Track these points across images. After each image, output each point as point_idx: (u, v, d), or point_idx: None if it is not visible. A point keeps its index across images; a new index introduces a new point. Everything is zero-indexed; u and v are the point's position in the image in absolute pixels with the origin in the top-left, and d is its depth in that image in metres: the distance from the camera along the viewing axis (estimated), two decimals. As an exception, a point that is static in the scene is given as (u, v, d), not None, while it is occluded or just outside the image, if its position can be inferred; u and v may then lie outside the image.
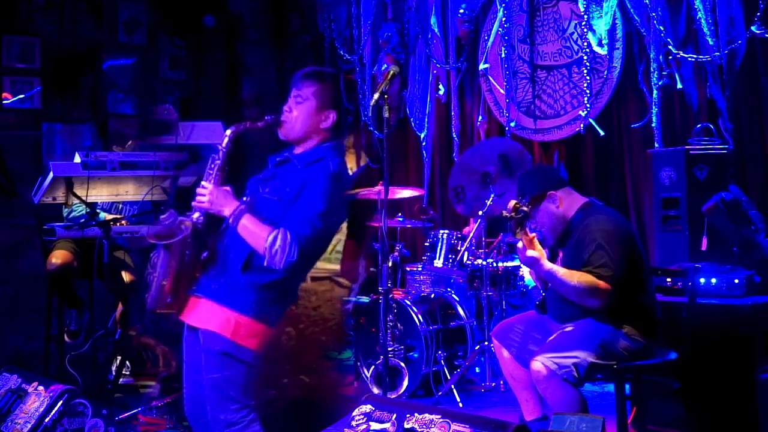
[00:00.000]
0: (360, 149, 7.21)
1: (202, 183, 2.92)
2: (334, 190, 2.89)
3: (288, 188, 2.89)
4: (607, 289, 3.36)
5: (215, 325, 2.85)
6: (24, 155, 6.37)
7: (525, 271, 5.14)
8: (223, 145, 2.95)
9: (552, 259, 3.66)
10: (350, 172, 7.18)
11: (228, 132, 2.96)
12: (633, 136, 5.39)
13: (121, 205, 5.13)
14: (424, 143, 6.59)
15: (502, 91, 6.05)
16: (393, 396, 4.68)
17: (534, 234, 3.53)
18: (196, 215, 2.91)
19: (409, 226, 5.46)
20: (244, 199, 2.98)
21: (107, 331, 4.62)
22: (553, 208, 3.60)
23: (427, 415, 2.50)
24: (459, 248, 5.21)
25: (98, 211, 4.69)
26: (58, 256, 4.96)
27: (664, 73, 5.07)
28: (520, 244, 3.48)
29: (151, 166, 4.47)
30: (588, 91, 5.45)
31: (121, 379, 5.06)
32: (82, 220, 4.74)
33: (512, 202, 3.42)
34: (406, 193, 5.52)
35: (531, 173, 3.81)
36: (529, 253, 3.43)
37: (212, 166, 2.95)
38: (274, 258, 2.78)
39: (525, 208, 3.39)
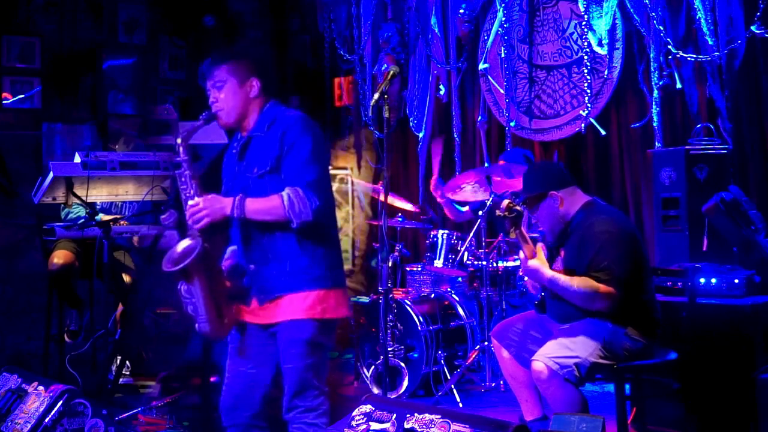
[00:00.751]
0: (360, 149, 7.21)
1: (189, 203, 2.92)
2: (310, 127, 2.94)
3: (270, 153, 2.91)
4: (609, 292, 3.35)
5: (300, 312, 2.89)
6: (24, 155, 6.37)
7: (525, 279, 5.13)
8: (181, 155, 2.98)
9: (551, 258, 3.66)
10: (350, 172, 7.20)
11: (179, 140, 2.99)
12: (633, 136, 5.39)
13: (120, 204, 5.13)
14: (421, 144, 6.59)
15: (501, 91, 6.05)
16: (393, 396, 4.68)
17: (540, 244, 3.53)
18: (201, 224, 2.89)
19: (405, 226, 5.45)
20: (240, 196, 2.98)
21: (107, 331, 4.62)
22: (553, 207, 3.60)
23: (427, 415, 2.50)
24: (459, 248, 5.21)
25: (97, 211, 4.69)
26: (59, 256, 4.96)
27: (664, 73, 5.07)
28: (521, 254, 3.49)
29: (151, 166, 4.47)
30: (588, 91, 5.45)
31: (121, 379, 5.06)
32: (81, 221, 4.74)
33: (506, 202, 3.44)
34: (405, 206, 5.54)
35: (534, 171, 3.79)
36: (531, 263, 3.47)
37: (183, 182, 2.96)
38: (301, 214, 2.83)
39: (518, 208, 3.40)
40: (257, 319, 2.98)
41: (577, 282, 3.40)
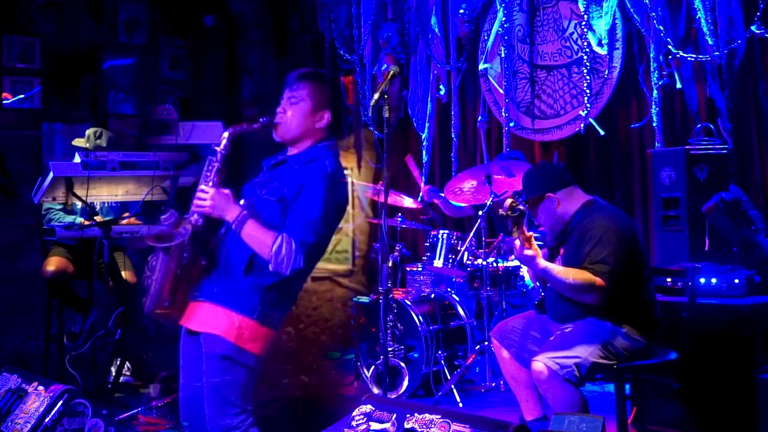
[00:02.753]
0: (360, 149, 7.21)
1: (202, 187, 2.91)
2: (332, 190, 2.89)
3: (286, 189, 2.89)
4: (602, 286, 3.36)
5: (218, 328, 2.85)
6: (24, 155, 6.37)
7: (525, 272, 5.14)
8: (221, 147, 2.95)
9: (551, 259, 3.67)
10: (350, 172, 7.21)
11: (225, 134, 2.96)
12: (633, 136, 5.39)
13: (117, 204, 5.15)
14: (424, 143, 6.59)
15: (501, 91, 6.06)
16: (393, 396, 4.68)
17: (531, 233, 3.54)
18: (194, 217, 2.90)
19: (405, 226, 5.45)
20: (241, 202, 2.97)
21: (107, 332, 4.62)
22: (551, 209, 3.61)
23: (427, 415, 2.50)
24: (459, 248, 5.21)
25: (96, 211, 4.70)
26: (52, 263, 4.97)
27: (664, 73, 5.07)
28: (517, 243, 3.49)
29: (151, 166, 4.47)
30: (588, 91, 5.45)
31: (121, 379, 5.06)
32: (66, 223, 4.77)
33: (508, 201, 3.43)
34: (406, 202, 5.54)
35: (533, 173, 3.80)
36: (526, 252, 3.47)
37: (210, 168, 2.94)
38: (281, 265, 2.80)
39: (521, 207, 3.40)
40: (188, 322, 2.95)
41: (573, 273, 3.40)
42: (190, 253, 2.90)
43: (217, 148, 2.96)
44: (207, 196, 2.89)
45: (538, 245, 3.57)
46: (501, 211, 3.44)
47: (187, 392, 3.00)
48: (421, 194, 5.65)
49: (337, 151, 3.03)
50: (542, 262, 3.48)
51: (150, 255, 2.91)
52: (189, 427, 3.01)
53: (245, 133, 3.00)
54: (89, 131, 5.33)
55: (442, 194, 5.55)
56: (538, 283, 3.81)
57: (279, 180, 2.95)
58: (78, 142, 5.31)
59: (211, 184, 2.92)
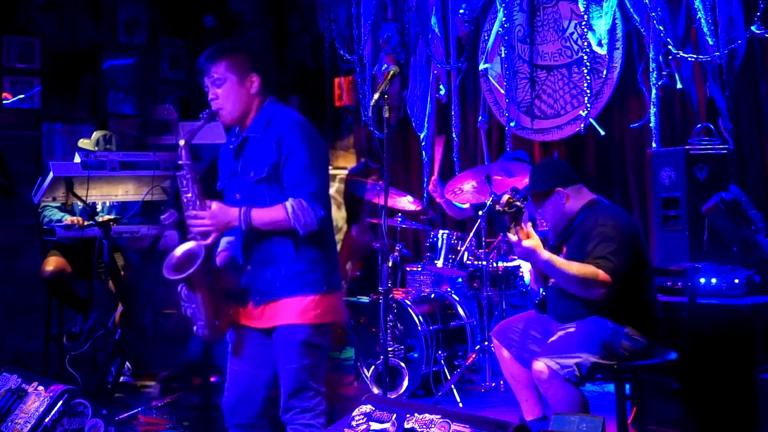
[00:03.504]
0: (360, 149, 7.21)
1: (192, 213, 2.90)
2: (305, 132, 2.91)
3: (266, 159, 2.89)
4: (606, 281, 3.34)
5: (294, 317, 2.89)
6: (24, 155, 6.37)
7: (525, 271, 5.13)
8: (183, 158, 2.95)
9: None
10: (350, 172, 7.20)
11: (181, 142, 2.96)
12: (633, 136, 5.39)
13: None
14: (424, 143, 6.59)
15: (502, 91, 6.05)
16: (393, 396, 4.68)
17: (530, 224, 3.52)
18: (211, 238, 2.89)
19: (404, 226, 5.45)
20: (237, 197, 2.98)
21: (107, 332, 4.62)
22: (559, 204, 3.60)
23: (427, 415, 2.50)
24: (459, 248, 5.21)
25: (97, 211, 4.70)
26: (50, 263, 4.98)
27: (663, 73, 5.07)
28: (515, 237, 3.38)
29: (151, 166, 4.46)
30: (588, 91, 5.45)
31: (121, 379, 5.06)
32: (56, 221, 4.77)
33: (505, 197, 3.41)
34: (405, 201, 5.54)
35: (542, 167, 3.80)
36: (526, 243, 3.35)
37: (185, 185, 2.93)
38: (307, 226, 2.83)
39: (518, 203, 3.37)
40: (254, 322, 2.98)
41: (576, 266, 3.36)
42: (210, 267, 2.91)
43: (180, 161, 2.96)
44: (205, 220, 2.89)
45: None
46: (498, 207, 3.40)
47: (243, 382, 3.02)
48: (431, 183, 5.62)
49: (282, 104, 3.04)
50: (545, 254, 3.36)
51: (176, 285, 2.91)
52: (235, 415, 3.03)
53: (197, 133, 2.99)
54: (98, 134, 5.33)
55: (446, 195, 5.55)
56: (537, 284, 3.80)
57: (254, 156, 2.94)
58: (84, 143, 5.31)
59: (193, 199, 2.91)
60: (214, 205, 2.91)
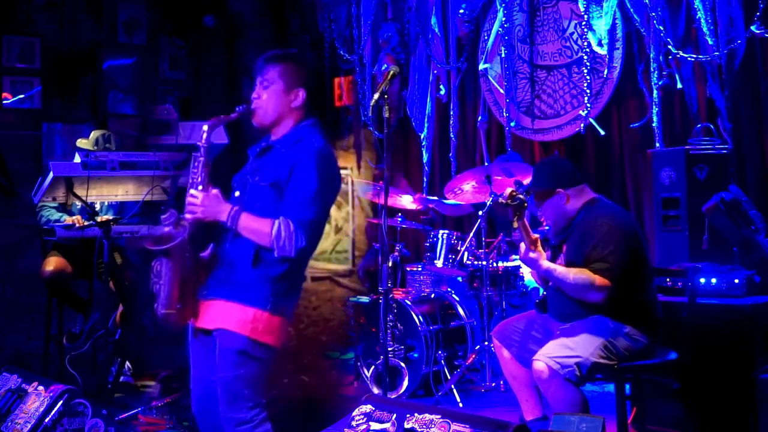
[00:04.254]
0: (360, 149, 7.21)
1: (191, 192, 2.91)
2: (323, 166, 2.89)
3: (278, 172, 2.89)
4: (604, 284, 3.37)
5: (233, 324, 2.85)
6: (24, 155, 6.37)
7: (525, 271, 5.14)
8: (203, 141, 2.96)
9: (554, 257, 3.67)
10: (350, 172, 7.21)
11: (205, 127, 2.97)
12: (633, 136, 5.39)
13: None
14: (424, 143, 6.59)
15: (502, 91, 6.06)
16: (393, 396, 4.68)
17: (537, 235, 3.55)
18: (189, 216, 2.90)
19: (405, 226, 5.45)
20: (236, 194, 2.97)
21: (107, 332, 4.62)
22: (559, 204, 3.61)
23: (427, 415, 2.50)
24: (459, 248, 5.21)
25: (97, 211, 4.70)
26: (50, 263, 4.98)
27: (663, 73, 5.07)
28: (522, 246, 3.54)
29: (151, 166, 4.47)
30: (588, 91, 5.45)
31: (121, 379, 5.06)
32: (54, 221, 4.77)
33: (508, 190, 3.44)
34: (405, 200, 5.55)
35: (545, 166, 3.82)
36: (531, 254, 3.53)
37: (196, 165, 2.94)
38: (284, 248, 2.80)
39: (521, 196, 3.40)
40: (200, 321, 2.95)
41: (573, 273, 3.43)
42: (192, 251, 2.91)
43: (199, 143, 2.96)
44: (197, 200, 2.89)
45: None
46: (501, 200, 3.44)
47: (199, 388, 3.00)
48: (416, 202, 5.66)
49: (320, 129, 3.04)
50: (545, 264, 3.52)
51: (153, 260, 2.91)
52: (202, 422, 3.02)
53: (224, 123, 3.02)
54: (96, 134, 5.33)
55: (434, 197, 5.55)
56: (540, 282, 3.81)
57: (269, 165, 2.94)
58: (82, 143, 5.31)
59: (200, 180, 2.92)
60: (214, 191, 2.91)
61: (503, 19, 5.97)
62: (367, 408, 2.67)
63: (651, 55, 5.09)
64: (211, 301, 2.92)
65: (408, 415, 2.54)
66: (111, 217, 4.71)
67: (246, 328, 2.84)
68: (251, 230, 2.85)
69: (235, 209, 2.87)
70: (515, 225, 3.47)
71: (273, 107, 2.98)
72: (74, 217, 4.91)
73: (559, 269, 3.49)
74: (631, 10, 5.18)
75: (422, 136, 6.60)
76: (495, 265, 5.06)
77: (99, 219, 4.55)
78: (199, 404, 3.01)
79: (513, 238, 3.88)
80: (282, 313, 2.91)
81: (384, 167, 3.51)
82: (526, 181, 4.80)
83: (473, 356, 4.96)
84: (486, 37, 6.22)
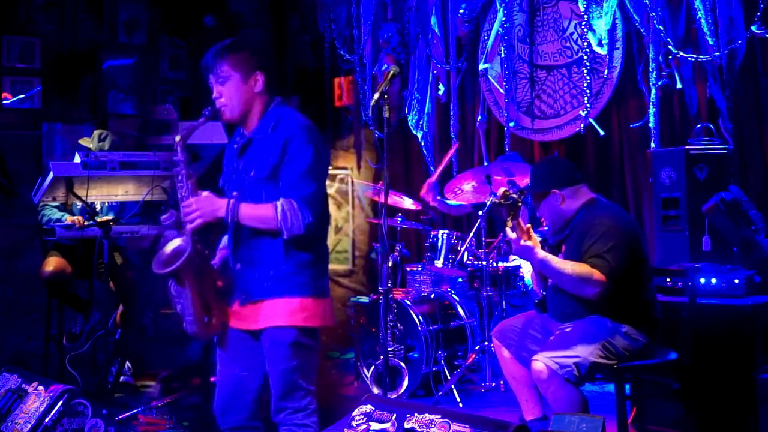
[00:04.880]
0: (360, 149, 7.21)
1: (183, 204, 2.91)
2: (312, 138, 2.89)
3: (269, 160, 2.89)
4: (601, 280, 3.36)
5: (282, 319, 2.88)
6: (24, 155, 6.37)
7: (525, 271, 5.14)
8: (179, 155, 2.96)
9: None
10: (350, 172, 7.20)
11: (177, 138, 2.97)
12: (633, 136, 5.39)
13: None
14: (423, 143, 6.59)
15: (501, 91, 6.06)
16: (393, 396, 4.68)
17: (529, 225, 3.54)
18: (189, 226, 2.89)
19: (405, 226, 5.45)
20: (234, 194, 2.97)
21: (107, 332, 4.62)
22: (555, 205, 3.61)
23: (427, 415, 2.50)
24: (459, 248, 5.21)
25: (97, 211, 4.70)
26: (50, 264, 4.98)
27: (663, 73, 5.07)
28: (513, 235, 3.46)
29: (151, 166, 4.47)
30: (588, 91, 5.45)
31: (121, 379, 5.06)
32: (55, 221, 4.77)
33: (501, 189, 3.44)
34: (405, 202, 5.55)
35: (541, 167, 3.81)
36: (523, 242, 3.45)
37: (180, 180, 2.94)
38: (292, 228, 2.81)
39: (514, 196, 3.40)
40: (241, 323, 2.97)
41: (571, 266, 3.41)
42: (202, 261, 2.91)
43: (175, 158, 2.97)
44: (192, 207, 2.89)
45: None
46: (494, 200, 3.45)
47: (230, 385, 3.01)
48: (425, 186, 5.64)
49: (289, 106, 3.03)
50: (541, 253, 3.46)
51: (169, 282, 2.91)
52: (225, 419, 3.02)
53: (195, 131, 2.99)
54: (95, 132, 5.34)
55: (439, 197, 5.55)
56: (537, 284, 3.81)
57: (258, 158, 2.93)
58: (84, 141, 5.32)
59: (186, 194, 2.93)
60: (204, 194, 2.92)
61: (503, 19, 5.97)
62: (367, 408, 2.68)
63: (651, 55, 5.09)
64: (254, 304, 2.93)
65: (408, 415, 2.54)
66: (112, 217, 4.71)
67: (296, 319, 2.88)
68: (254, 218, 2.85)
69: (232, 202, 2.86)
70: (509, 224, 3.45)
71: (237, 101, 2.96)
72: (76, 217, 4.92)
73: (555, 260, 3.45)
74: (631, 10, 5.18)
75: (420, 136, 6.60)
76: (495, 265, 5.06)
77: (99, 219, 4.55)
78: (226, 402, 3.01)
79: (509, 236, 3.87)
80: (324, 294, 2.96)
81: (384, 167, 3.51)
82: (523, 181, 4.80)
83: (473, 356, 4.96)
84: (486, 37, 6.22)
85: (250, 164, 2.96)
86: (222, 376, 3.05)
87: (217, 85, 2.98)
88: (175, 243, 2.91)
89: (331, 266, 7.32)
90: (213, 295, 2.95)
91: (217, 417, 3.05)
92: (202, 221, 2.89)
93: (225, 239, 3.08)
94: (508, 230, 3.46)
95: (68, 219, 4.89)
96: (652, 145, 5.02)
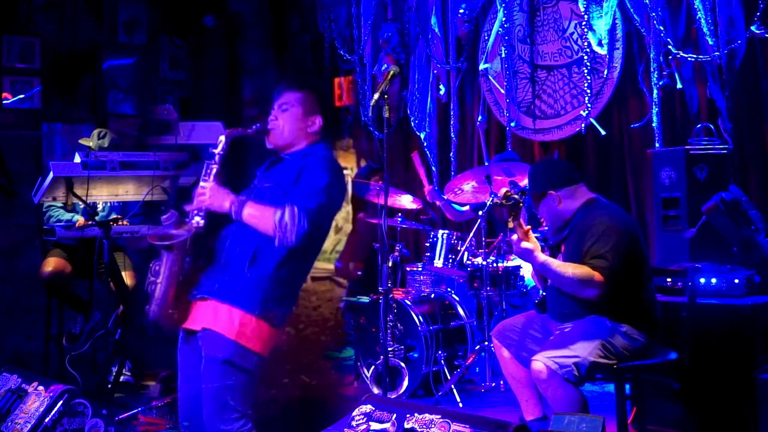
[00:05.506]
0: (360, 150, 7.21)
1: (201, 183, 2.94)
2: (332, 167, 2.94)
3: (286, 176, 2.92)
4: (601, 281, 3.36)
5: (218, 325, 2.83)
6: (24, 155, 6.38)
7: (525, 271, 5.14)
8: (219, 149, 2.98)
9: (552, 256, 3.66)
10: (350, 172, 7.21)
11: (222, 137, 2.99)
12: (633, 136, 5.39)
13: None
14: (426, 143, 6.59)
15: (502, 91, 6.06)
16: (393, 396, 4.68)
17: (529, 227, 3.54)
18: (196, 219, 2.91)
19: (405, 226, 5.45)
20: (242, 197, 2.98)
21: (107, 332, 4.62)
22: (552, 206, 3.62)
23: (427, 415, 2.50)
24: (459, 248, 5.21)
25: (97, 211, 4.69)
26: (49, 264, 4.98)
27: (664, 73, 5.07)
28: (514, 237, 3.48)
29: (151, 166, 4.47)
30: (588, 91, 5.45)
31: (121, 379, 5.06)
32: (65, 221, 4.77)
33: (503, 190, 3.44)
34: (405, 200, 5.54)
35: (539, 168, 3.81)
36: (524, 244, 3.46)
37: (208, 171, 2.97)
38: (286, 233, 2.79)
39: (515, 196, 3.40)
40: (187, 323, 2.95)
41: (571, 267, 3.41)
42: (192, 256, 2.91)
43: (214, 150, 2.98)
44: (206, 190, 2.92)
45: (540, 245, 3.57)
46: (495, 200, 3.45)
47: (186, 394, 2.99)
48: (426, 193, 5.65)
49: (331, 147, 3.08)
50: (541, 256, 3.47)
51: (153, 259, 2.92)
52: (189, 428, 2.99)
53: (241, 136, 3.03)
54: (95, 131, 5.34)
55: (445, 197, 5.55)
56: (538, 282, 3.81)
57: (277, 173, 2.98)
58: (84, 141, 5.33)
59: (210, 180, 2.95)
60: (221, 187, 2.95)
61: (503, 19, 5.97)
62: (367, 408, 2.68)
63: (651, 55, 5.09)
64: (200, 301, 2.92)
65: (408, 415, 2.54)
66: (116, 216, 4.70)
67: (232, 332, 2.81)
68: (255, 217, 2.86)
69: (240, 198, 2.89)
70: (510, 225, 3.46)
71: (289, 131, 3.03)
72: (81, 218, 4.92)
73: (555, 263, 3.46)
74: (631, 10, 5.18)
75: (423, 136, 6.60)
76: (495, 265, 5.05)
77: (109, 218, 4.56)
78: (186, 411, 2.98)
79: (511, 238, 3.87)
80: (271, 321, 2.88)
81: (384, 167, 3.51)
82: (523, 181, 4.81)
83: (473, 356, 4.96)
84: (486, 37, 6.22)
85: (268, 177, 3.02)
86: (179, 385, 3.02)
87: (278, 110, 3.04)
88: (179, 226, 2.94)
89: (331, 266, 7.36)
90: (186, 290, 2.93)
91: (183, 428, 3.01)
92: (207, 205, 2.90)
93: None
94: (514, 236, 3.49)
95: (79, 220, 4.87)
96: (656, 145, 5.02)
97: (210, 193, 2.91)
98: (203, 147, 5.56)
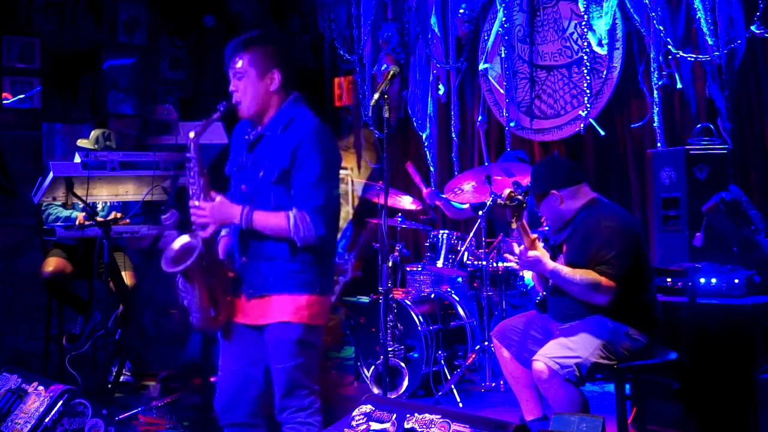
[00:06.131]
0: (360, 149, 7.21)
1: (194, 203, 2.91)
2: (322, 143, 2.87)
3: (279, 162, 2.87)
4: (610, 286, 3.37)
5: (288, 315, 2.87)
6: (24, 155, 6.37)
7: (525, 272, 5.14)
8: (192, 151, 2.93)
9: (553, 258, 3.66)
10: (350, 172, 7.21)
11: (191, 134, 2.93)
12: (633, 136, 5.39)
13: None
14: (427, 143, 6.59)
15: (502, 91, 6.06)
16: (393, 396, 4.68)
17: (536, 235, 3.54)
18: (210, 229, 2.89)
19: (405, 226, 5.45)
20: (242, 188, 2.96)
21: (107, 332, 4.62)
22: (554, 205, 3.61)
23: (427, 415, 2.50)
24: (459, 248, 5.21)
25: (97, 211, 4.69)
26: (50, 264, 4.98)
27: (663, 73, 5.07)
28: (520, 248, 3.50)
29: (151, 166, 4.46)
30: (588, 91, 5.45)
31: (121, 379, 5.06)
32: (60, 222, 4.76)
33: (506, 191, 3.44)
34: (405, 200, 5.55)
35: (540, 167, 3.80)
36: (531, 254, 3.48)
37: (192, 175, 2.93)
38: (306, 239, 2.83)
39: (519, 197, 3.40)
40: (247, 318, 2.97)
41: (579, 274, 3.41)
42: (210, 259, 2.90)
43: (187, 154, 2.93)
44: (205, 212, 2.89)
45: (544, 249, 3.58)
46: (499, 201, 3.44)
47: (234, 381, 3.00)
48: (426, 196, 5.65)
49: (304, 103, 2.99)
50: (550, 264, 3.48)
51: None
52: (227, 416, 3.02)
53: (209, 126, 2.96)
54: (96, 133, 5.33)
55: (444, 195, 5.55)
56: (539, 284, 3.80)
57: (268, 157, 2.91)
58: (82, 142, 5.31)
59: (198, 191, 2.91)
60: (218, 199, 2.91)
61: (503, 19, 5.97)
62: (367, 408, 2.68)
63: (651, 55, 5.09)
64: (259, 298, 2.92)
65: (408, 415, 2.54)
66: (117, 215, 4.70)
67: (303, 316, 2.88)
68: (267, 227, 2.86)
69: (246, 210, 2.86)
70: (513, 226, 3.46)
71: (252, 98, 2.92)
72: (80, 214, 4.92)
73: (565, 270, 3.46)
74: (631, 10, 5.18)
75: (423, 136, 6.60)
76: (495, 265, 5.05)
77: (109, 217, 4.55)
78: (229, 398, 3.01)
79: (512, 238, 3.88)
80: (328, 292, 2.98)
81: (384, 167, 3.51)
82: (525, 181, 4.80)
83: (473, 356, 4.96)
84: (486, 37, 6.22)
85: (259, 163, 2.94)
86: (225, 371, 3.04)
87: (234, 80, 2.94)
88: (183, 240, 2.90)
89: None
90: (221, 290, 2.94)
91: (219, 413, 3.04)
92: (214, 228, 2.90)
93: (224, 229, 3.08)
94: (515, 245, 3.51)
95: (79, 217, 4.86)
96: (657, 145, 5.02)
97: (211, 215, 2.88)
98: (203, 147, 5.55)
